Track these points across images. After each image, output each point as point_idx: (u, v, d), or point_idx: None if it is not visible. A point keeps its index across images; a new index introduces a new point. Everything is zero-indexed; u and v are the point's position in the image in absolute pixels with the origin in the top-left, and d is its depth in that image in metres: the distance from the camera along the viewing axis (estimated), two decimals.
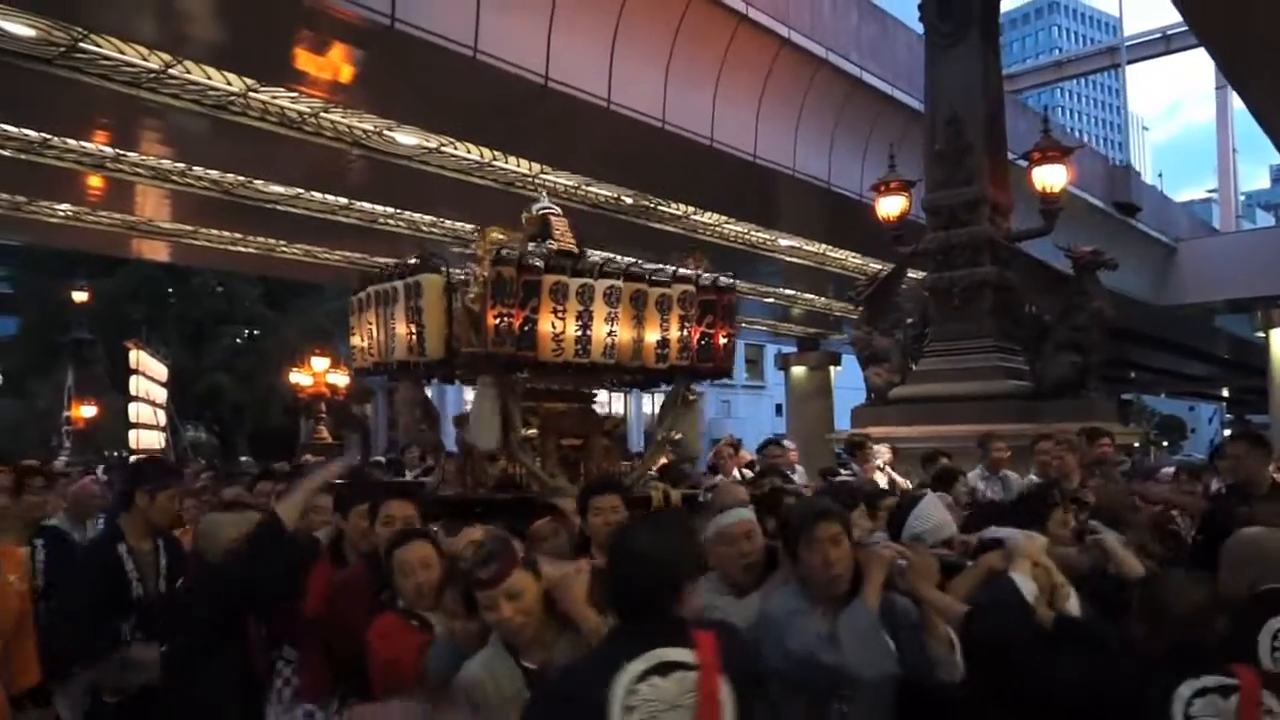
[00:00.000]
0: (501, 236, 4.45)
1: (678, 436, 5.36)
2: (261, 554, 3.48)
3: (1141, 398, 63.64)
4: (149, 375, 22.19)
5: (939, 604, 2.84)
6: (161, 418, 22.71)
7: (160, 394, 22.95)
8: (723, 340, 5.02)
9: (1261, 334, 28.17)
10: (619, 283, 4.63)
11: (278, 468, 8.87)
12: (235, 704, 3.54)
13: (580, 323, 4.52)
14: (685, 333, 4.85)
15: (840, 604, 2.88)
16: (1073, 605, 2.92)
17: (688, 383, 5.12)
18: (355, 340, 5.30)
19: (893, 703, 2.89)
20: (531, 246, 4.78)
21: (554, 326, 4.45)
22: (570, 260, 4.70)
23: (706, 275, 4.99)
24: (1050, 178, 10.48)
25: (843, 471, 7.86)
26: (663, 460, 9.36)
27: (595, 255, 5.38)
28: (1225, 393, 55.04)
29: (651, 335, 4.76)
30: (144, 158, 14.69)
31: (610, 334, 4.60)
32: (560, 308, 4.45)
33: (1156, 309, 30.34)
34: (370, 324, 5.01)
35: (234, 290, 32.94)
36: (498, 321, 4.29)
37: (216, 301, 32.59)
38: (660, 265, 4.97)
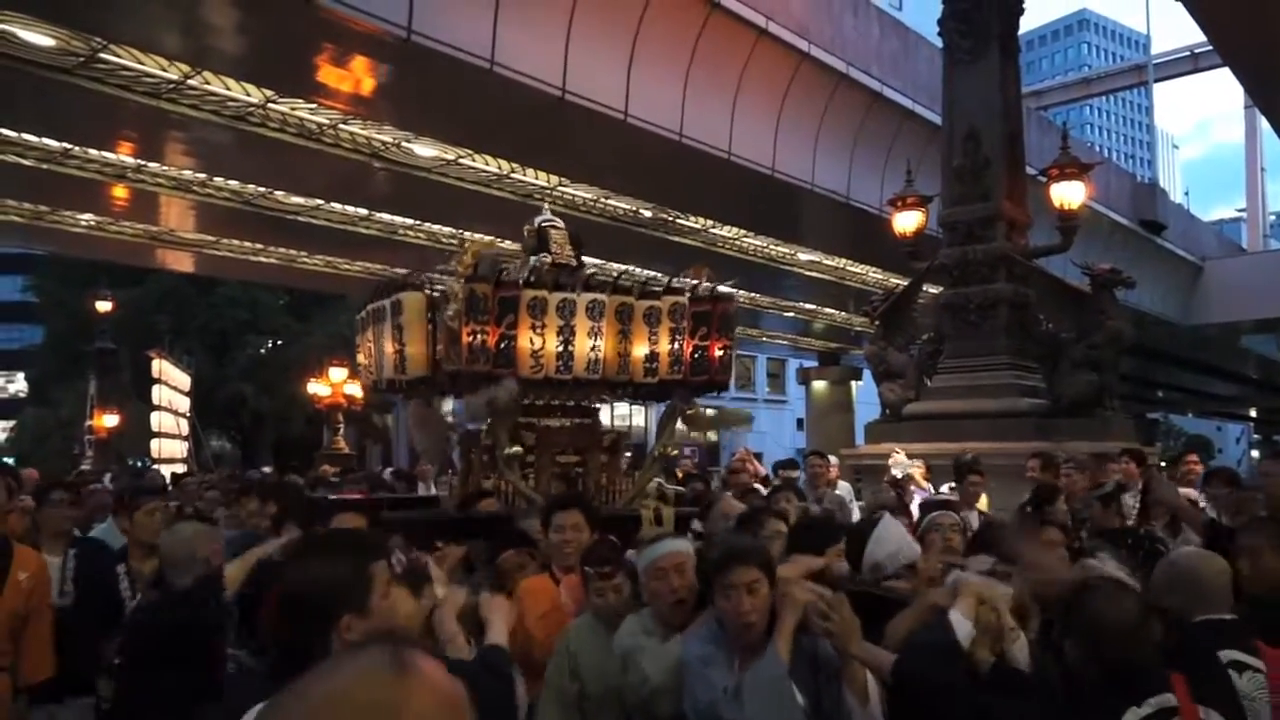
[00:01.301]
0: (484, 251, 4.41)
1: (675, 452, 5.25)
2: (188, 608, 3.39)
3: (1169, 417, 62.90)
4: (171, 384, 22.34)
5: (868, 658, 2.64)
6: (184, 427, 22.85)
7: (183, 403, 23.09)
8: (718, 352, 4.86)
9: None
10: (603, 296, 4.54)
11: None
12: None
13: (561, 338, 4.43)
14: (677, 345, 4.72)
15: (757, 649, 2.70)
16: (1020, 648, 2.73)
17: (684, 397, 4.99)
18: (360, 357, 5.32)
19: None
20: (533, 260, 4.74)
21: (533, 343, 4.38)
22: (560, 273, 4.62)
23: (703, 286, 4.86)
24: (1068, 194, 10.37)
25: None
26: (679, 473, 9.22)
27: (594, 267, 5.30)
28: (1253, 413, 54.26)
29: (640, 349, 4.65)
30: (165, 168, 14.82)
31: (594, 349, 4.51)
32: (539, 323, 4.38)
33: (1183, 328, 30.01)
34: (369, 341, 5.04)
35: (258, 300, 33.17)
36: (471, 339, 4.23)
37: (241, 311, 32.81)
38: (654, 276, 4.88)
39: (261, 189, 15.99)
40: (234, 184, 15.70)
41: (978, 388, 10.42)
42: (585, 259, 5.27)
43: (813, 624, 2.68)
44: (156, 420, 21.75)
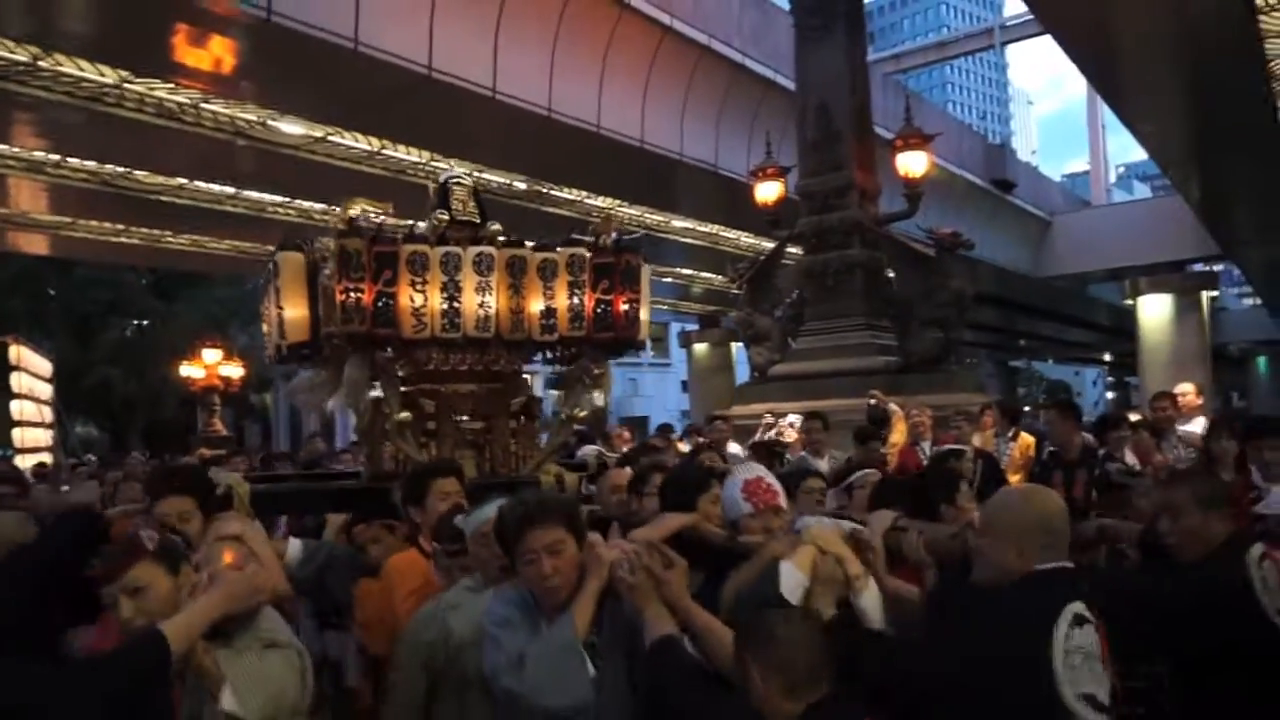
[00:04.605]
0: (361, 210, 4.23)
1: (582, 414, 4.94)
2: None
3: (1031, 364, 66.26)
4: (32, 371, 21.46)
5: (650, 625, 2.33)
6: (48, 415, 22.02)
7: (45, 390, 22.22)
8: (624, 307, 4.53)
9: (1130, 301, 29.69)
10: (491, 250, 4.29)
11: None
12: None
13: (446, 294, 4.18)
14: (576, 300, 4.45)
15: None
16: (871, 596, 2.57)
17: (591, 356, 4.74)
18: (264, 327, 5.01)
19: None
20: (431, 221, 4.53)
21: (414, 300, 4.13)
22: (461, 230, 4.42)
23: (605, 237, 4.61)
24: (912, 164, 10.99)
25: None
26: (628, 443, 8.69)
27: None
28: (1107, 357, 57.56)
29: (535, 305, 4.39)
30: (15, 150, 14.28)
31: (483, 305, 4.25)
32: (420, 280, 4.13)
33: (1036, 280, 31.76)
34: (267, 309, 4.78)
35: (121, 281, 31.95)
36: (345, 298, 4.01)
37: (103, 292, 31.54)
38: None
39: (120, 169, 15.54)
40: (90, 164, 15.22)
41: (837, 348, 11.02)
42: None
43: (615, 580, 2.42)
44: (17, 408, 20.91)
